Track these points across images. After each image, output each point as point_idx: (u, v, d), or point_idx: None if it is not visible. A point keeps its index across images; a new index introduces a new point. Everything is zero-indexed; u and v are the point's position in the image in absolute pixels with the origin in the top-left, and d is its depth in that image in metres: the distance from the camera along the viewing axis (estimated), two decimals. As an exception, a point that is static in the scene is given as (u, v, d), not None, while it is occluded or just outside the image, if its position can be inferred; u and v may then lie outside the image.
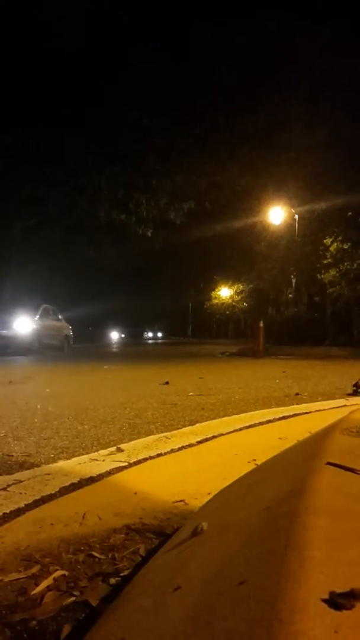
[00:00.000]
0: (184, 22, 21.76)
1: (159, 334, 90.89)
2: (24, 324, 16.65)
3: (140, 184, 22.25)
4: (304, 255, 25.45)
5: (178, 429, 3.27)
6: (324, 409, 4.01)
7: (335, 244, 23.31)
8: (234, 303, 47.16)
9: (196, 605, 0.80)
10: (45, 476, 2.03)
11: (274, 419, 3.51)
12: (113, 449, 2.58)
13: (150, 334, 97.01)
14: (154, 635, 0.77)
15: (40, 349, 17.28)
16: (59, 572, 1.22)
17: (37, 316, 17.65)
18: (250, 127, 22.79)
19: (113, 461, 2.30)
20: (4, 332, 16.15)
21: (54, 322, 19.38)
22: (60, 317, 20.58)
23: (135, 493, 1.85)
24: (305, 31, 20.94)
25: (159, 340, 62.36)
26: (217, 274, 46.93)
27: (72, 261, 29.31)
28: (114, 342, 52.28)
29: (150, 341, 55.11)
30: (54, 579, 1.19)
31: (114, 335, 70.17)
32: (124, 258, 32.82)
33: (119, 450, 2.54)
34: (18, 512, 1.64)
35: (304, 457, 1.56)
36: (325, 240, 23.87)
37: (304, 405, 4.38)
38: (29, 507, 1.68)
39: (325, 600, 0.71)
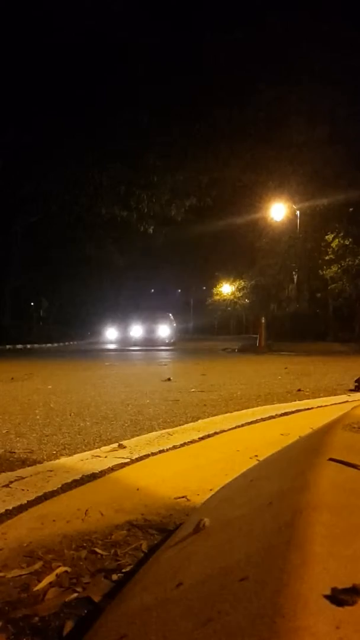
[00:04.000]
0: (183, 17, 21.67)
1: (163, 333, 30.02)
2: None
3: (141, 181, 22.19)
4: (305, 251, 25.41)
5: (180, 425, 3.28)
6: (325, 405, 4.00)
7: (337, 240, 23.25)
8: (235, 299, 47.14)
9: (198, 601, 0.80)
10: (47, 473, 2.04)
11: (276, 415, 3.51)
12: (115, 445, 2.58)
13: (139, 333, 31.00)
14: (156, 632, 0.77)
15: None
16: (61, 569, 1.22)
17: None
18: (250, 123, 22.73)
19: (115, 458, 2.30)
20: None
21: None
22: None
23: (138, 489, 1.85)
24: (305, 27, 20.87)
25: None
26: (218, 270, 46.89)
27: (73, 258, 29.29)
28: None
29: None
30: (57, 575, 1.20)
31: (111, 334, 38.98)
32: (125, 255, 32.78)
33: (121, 446, 2.54)
34: (20, 509, 1.64)
35: (306, 453, 1.56)
36: (327, 237, 23.81)
37: (305, 401, 4.38)
38: (31, 504, 1.68)
39: (327, 596, 0.70)
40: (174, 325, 30.93)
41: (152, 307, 36.03)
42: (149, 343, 26.05)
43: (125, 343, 28.70)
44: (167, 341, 27.37)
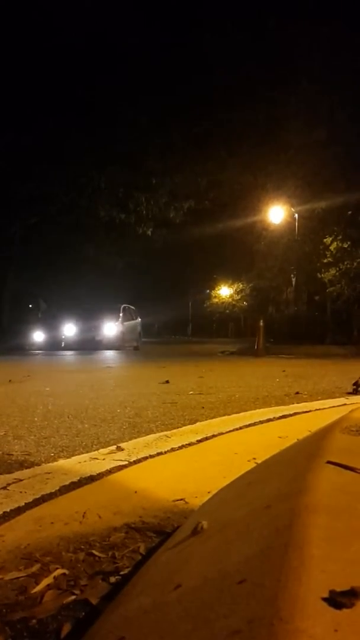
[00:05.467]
0: (183, 19, 21.74)
1: (109, 332, 20.21)
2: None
3: (140, 183, 22.23)
4: (304, 254, 25.46)
5: (178, 427, 3.27)
6: (324, 408, 4.01)
7: (335, 243, 23.32)
8: (233, 302, 47.19)
9: (196, 603, 0.80)
10: (45, 475, 2.03)
11: (274, 417, 3.51)
12: (113, 447, 2.58)
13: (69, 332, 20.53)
14: (154, 634, 0.77)
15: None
16: (59, 571, 1.22)
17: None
18: (249, 125, 22.77)
19: (113, 460, 2.30)
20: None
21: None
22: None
23: (136, 492, 1.85)
24: (304, 29, 20.92)
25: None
26: (217, 273, 46.91)
27: (72, 260, 29.25)
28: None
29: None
30: (54, 577, 1.19)
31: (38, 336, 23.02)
32: (124, 257, 32.75)
33: (119, 449, 2.54)
34: (18, 511, 1.64)
35: (304, 456, 1.56)
36: (325, 240, 23.88)
37: (304, 404, 4.38)
38: (29, 506, 1.68)
39: (325, 599, 0.71)
40: (136, 323, 22.79)
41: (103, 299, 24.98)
42: (86, 346, 19.20)
43: (54, 347, 20.52)
44: (116, 345, 19.77)
